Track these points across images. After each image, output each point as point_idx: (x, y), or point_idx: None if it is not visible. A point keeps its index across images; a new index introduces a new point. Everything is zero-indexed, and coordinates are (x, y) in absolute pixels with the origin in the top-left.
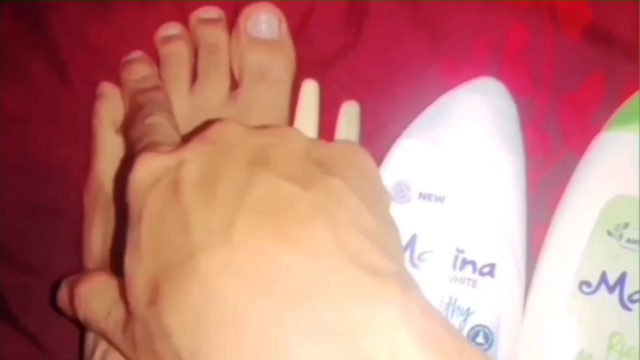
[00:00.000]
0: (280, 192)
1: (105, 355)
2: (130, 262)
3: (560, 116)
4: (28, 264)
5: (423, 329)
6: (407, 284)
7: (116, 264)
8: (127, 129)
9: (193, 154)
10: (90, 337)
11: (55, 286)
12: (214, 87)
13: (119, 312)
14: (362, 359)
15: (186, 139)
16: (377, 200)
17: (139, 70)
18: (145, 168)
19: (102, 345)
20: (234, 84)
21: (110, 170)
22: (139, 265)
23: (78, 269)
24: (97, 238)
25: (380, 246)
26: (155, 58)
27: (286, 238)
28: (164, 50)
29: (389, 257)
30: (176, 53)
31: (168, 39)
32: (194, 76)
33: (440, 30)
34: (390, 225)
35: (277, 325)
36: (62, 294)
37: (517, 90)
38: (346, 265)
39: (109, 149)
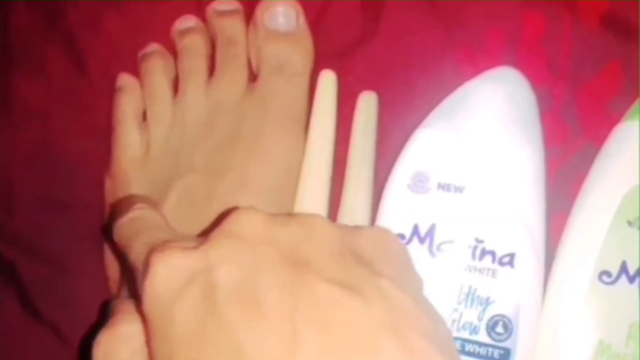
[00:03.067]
0: (334, 300)
1: None
2: None
3: (578, 106)
4: (48, 257)
5: None
6: None
7: None
8: (110, 235)
9: (220, 255)
10: None
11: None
12: (232, 79)
13: None
14: None
15: (204, 233)
16: (416, 288)
17: (157, 64)
18: (163, 271)
19: None
20: (252, 77)
21: (130, 163)
22: None
23: (99, 261)
24: None
25: (441, 348)
26: (172, 49)
27: None
28: (181, 44)
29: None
30: (193, 46)
31: (185, 31)
32: (212, 69)
33: (457, 20)
34: (432, 309)
35: None
36: None
37: (535, 80)
38: None
39: (128, 142)
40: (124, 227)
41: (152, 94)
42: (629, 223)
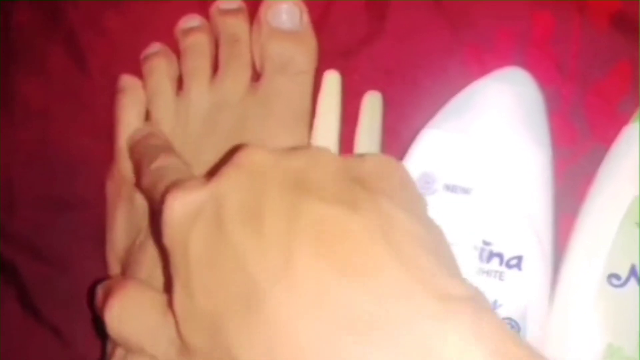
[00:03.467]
0: (330, 217)
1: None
2: (180, 301)
3: (587, 106)
4: (49, 256)
5: (497, 349)
6: (478, 305)
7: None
8: (138, 184)
9: (227, 185)
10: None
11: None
12: (235, 78)
13: (170, 332)
14: None
15: (212, 170)
16: (420, 208)
17: (160, 64)
18: (178, 207)
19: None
20: (256, 76)
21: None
22: (192, 304)
23: (100, 261)
24: (121, 230)
25: (440, 260)
26: (174, 48)
27: (349, 270)
28: (185, 43)
29: (451, 272)
30: (197, 45)
31: (188, 31)
32: (216, 68)
33: (464, 19)
34: (436, 229)
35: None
36: (98, 299)
37: (543, 80)
38: (415, 291)
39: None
40: (148, 176)
41: (155, 94)
42: (638, 225)
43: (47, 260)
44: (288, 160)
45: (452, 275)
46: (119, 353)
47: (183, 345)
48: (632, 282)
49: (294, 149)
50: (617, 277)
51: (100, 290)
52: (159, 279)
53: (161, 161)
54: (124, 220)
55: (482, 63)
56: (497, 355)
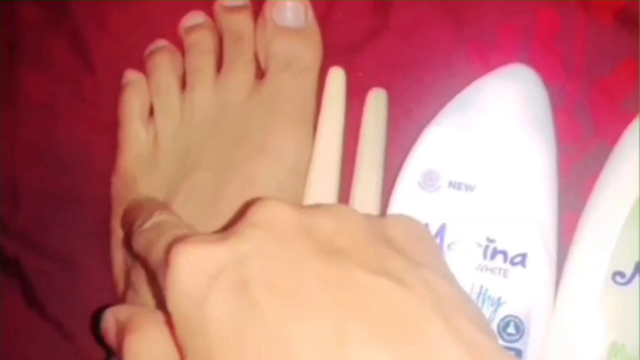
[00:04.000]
0: (379, 291)
1: None
2: None
3: (591, 103)
4: (53, 251)
5: None
6: None
7: None
8: (129, 250)
9: (248, 247)
10: None
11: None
12: (240, 75)
13: None
14: None
15: (224, 227)
16: (453, 275)
17: (164, 60)
18: (187, 265)
19: None
20: (260, 73)
21: (136, 160)
22: None
23: (104, 256)
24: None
25: (486, 331)
26: (179, 45)
27: (410, 354)
28: (189, 40)
29: (504, 352)
30: (201, 43)
31: (192, 28)
32: (220, 65)
33: (468, 15)
34: (471, 298)
35: None
36: (106, 324)
37: (548, 77)
38: None
39: (135, 139)
40: (144, 234)
41: (160, 89)
42: None
43: (51, 256)
44: (312, 219)
45: (507, 354)
46: None
47: None
48: (637, 279)
49: (315, 206)
50: (622, 274)
51: (111, 317)
52: None
53: (157, 217)
54: None
55: (486, 60)
56: None
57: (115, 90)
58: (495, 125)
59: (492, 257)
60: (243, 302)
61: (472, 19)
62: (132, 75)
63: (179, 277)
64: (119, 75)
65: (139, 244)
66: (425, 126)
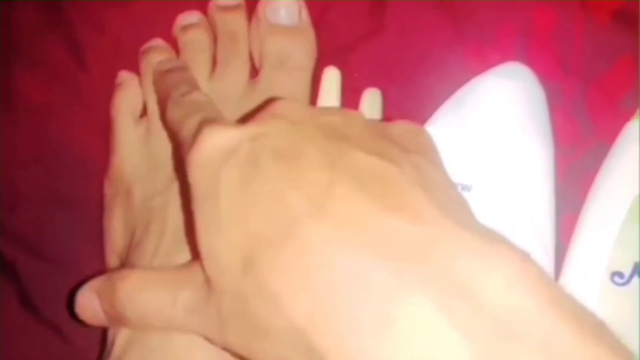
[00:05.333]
0: (370, 165)
1: (127, 345)
2: (209, 237)
3: (589, 102)
4: (49, 253)
5: (543, 290)
6: (521, 250)
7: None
8: (163, 111)
9: (264, 129)
10: (110, 330)
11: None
12: (234, 74)
13: (187, 296)
14: (486, 314)
15: (245, 119)
16: (442, 166)
17: (158, 58)
18: (214, 142)
19: (123, 335)
20: (254, 72)
21: (129, 160)
22: (223, 239)
23: (100, 258)
24: (118, 228)
25: (470, 213)
26: (174, 46)
27: (388, 206)
28: (183, 39)
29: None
30: (195, 42)
31: (187, 27)
32: (214, 64)
33: (466, 14)
34: (452, 182)
35: (396, 285)
36: (86, 299)
37: (545, 76)
38: (456, 230)
39: (128, 139)
40: (181, 107)
41: (152, 88)
42: None
43: (48, 258)
44: (323, 115)
45: (482, 224)
46: (121, 338)
47: (206, 294)
48: (635, 280)
49: (325, 107)
50: (621, 275)
51: (87, 292)
52: None
53: (196, 95)
54: (121, 219)
55: (483, 59)
56: (545, 297)
57: (111, 90)
58: (492, 125)
59: None
60: (251, 167)
61: (469, 18)
62: (125, 76)
63: (202, 153)
64: (115, 76)
65: (173, 114)
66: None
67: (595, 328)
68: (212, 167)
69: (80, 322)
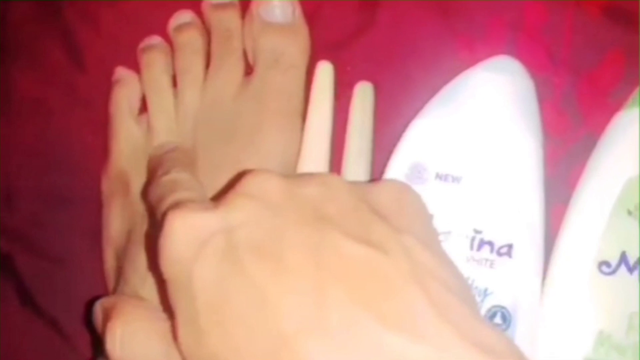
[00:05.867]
0: (359, 257)
1: None
2: (187, 339)
3: (579, 95)
4: (47, 250)
5: None
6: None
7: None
8: (145, 191)
9: (238, 216)
10: None
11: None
12: (228, 73)
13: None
14: None
15: (217, 196)
16: (438, 242)
17: (158, 57)
18: (181, 230)
19: None
20: (248, 70)
21: (128, 156)
22: (202, 344)
23: (98, 254)
24: (116, 224)
25: (469, 305)
26: (170, 42)
27: (389, 318)
28: (178, 40)
29: (480, 318)
30: (189, 43)
31: (180, 27)
32: (208, 62)
33: (456, 8)
34: (453, 265)
35: None
36: (97, 316)
37: (535, 69)
38: (457, 343)
39: (126, 136)
40: (158, 188)
41: (152, 88)
42: (629, 213)
43: (45, 254)
44: (300, 188)
45: (484, 323)
46: None
47: None
48: (623, 269)
49: (303, 175)
50: (608, 264)
51: (99, 307)
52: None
53: (174, 175)
54: (119, 215)
55: (473, 52)
56: None
57: (108, 88)
58: (482, 117)
59: (479, 248)
60: (228, 265)
61: (459, 12)
62: (122, 72)
63: (170, 242)
64: (112, 74)
65: (150, 196)
66: (413, 119)
67: None
68: (183, 261)
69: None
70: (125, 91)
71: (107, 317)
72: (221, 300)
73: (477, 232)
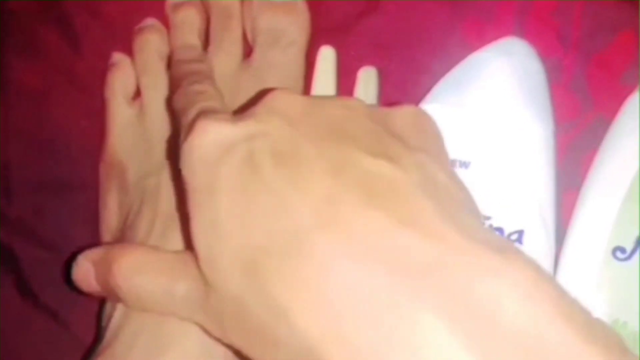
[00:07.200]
0: (375, 169)
1: (123, 319)
2: (207, 238)
3: (589, 78)
4: (46, 239)
5: (558, 307)
6: (528, 258)
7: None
8: (170, 99)
9: (261, 127)
10: (108, 304)
11: (70, 260)
12: (227, 52)
13: (186, 287)
14: (501, 335)
15: (241, 109)
16: (447, 161)
17: (151, 38)
18: (208, 136)
19: (120, 309)
20: (248, 49)
21: (123, 140)
22: (222, 243)
23: (97, 243)
24: (113, 209)
25: (479, 219)
26: (168, 27)
27: (400, 219)
28: (175, 18)
29: (489, 229)
30: (187, 21)
31: (178, 5)
32: (207, 42)
33: None
34: (462, 183)
35: (411, 305)
36: (82, 269)
37: (544, 52)
38: (469, 246)
39: (121, 119)
40: (184, 97)
41: (145, 70)
42: None
43: (45, 244)
44: (321, 107)
45: (491, 231)
46: (118, 312)
47: (205, 291)
48: (638, 255)
49: (325, 96)
50: (623, 250)
51: (85, 262)
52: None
53: (200, 86)
54: (116, 202)
55: (481, 35)
56: (563, 310)
57: (106, 74)
58: (490, 101)
59: None
60: (249, 170)
61: None
62: (118, 57)
63: (198, 144)
64: (109, 60)
65: (177, 103)
66: (419, 104)
67: (606, 340)
68: (207, 164)
69: (77, 292)
70: (120, 75)
71: (106, 264)
72: (242, 202)
73: (486, 218)
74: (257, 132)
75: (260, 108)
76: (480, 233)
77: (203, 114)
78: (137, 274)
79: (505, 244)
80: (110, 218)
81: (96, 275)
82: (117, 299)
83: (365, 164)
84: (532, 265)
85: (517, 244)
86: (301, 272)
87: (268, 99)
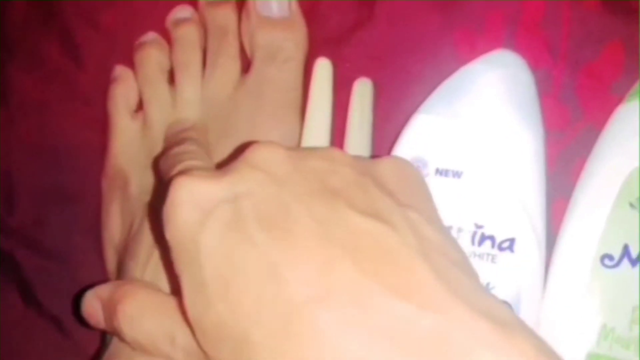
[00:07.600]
0: (365, 230)
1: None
2: (194, 306)
3: (578, 88)
4: (49, 248)
5: None
6: (528, 330)
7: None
8: (157, 170)
9: (244, 186)
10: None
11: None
12: (225, 70)
13: (186, 337)
14: None
15: (222, 165)
16: (437, 217)
17: (152, 53)
18: (184, 197)
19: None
20: (246, 66)
21: (126, 153)
22: (210, 309)
23: (99, 252)
24: (116, 221)
25: (474, 279)
26: (168, 39)
27: (397, 288)
28: (176, 34)
29: (487, 292)
30: (187, 37)
31: (179, 22)
32: (205, 59)
33: (454, 3)
34: (454, 240)
35: None
36: (91, 308)
37: (534, 63)
38: (470, 318)
39: (124, 132)
40: (168, 159)
41: (146, 84)
42: (631, 205)
43: (47, 252)
44: (304, 161)
45: (489, 296)
46: (124, 352)
47: (201, 353)
48: (625, 262)
49: (306, 148)
50: (611, 257)
51: (93, 296)
52: (154, 268)
53: (184, 147)
54: (118, 213)
55: (472, 47)
56: None
57: (107, 86)
58: (482, 112)
59: (480, 242)
60: (236, 235)
61: (458, 7)
62: (120, 70)
63: (175, 207)
64: (110, 72)
65: (161, 167)
66: (412, 114)
67: None
68: (189, 226)
69: (85, 323)
70: (122, 88)
71: (111, 303)
72: (229, 269)
73: (478, 227)
74: (241, 192)
75: (241, 164)
76: (480, 301)
77: (180, 172)
78: (139, 319)
79: (507, 314)
80: (114, 228)
81: (103, 313)
82: (124, 340)
83: (356, 224)
84: (533, 340)
85: (507, 252)
86: (297, 350)
87: (249, 154)
